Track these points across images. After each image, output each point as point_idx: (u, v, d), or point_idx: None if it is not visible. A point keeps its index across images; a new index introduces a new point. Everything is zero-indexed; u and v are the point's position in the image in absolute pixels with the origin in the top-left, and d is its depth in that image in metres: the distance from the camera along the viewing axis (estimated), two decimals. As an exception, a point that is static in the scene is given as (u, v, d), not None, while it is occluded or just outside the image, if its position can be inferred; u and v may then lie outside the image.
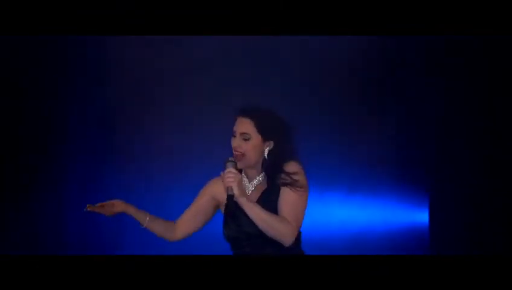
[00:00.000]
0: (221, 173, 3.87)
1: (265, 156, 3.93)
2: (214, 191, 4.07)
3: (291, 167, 3.90)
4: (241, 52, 6.02)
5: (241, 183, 3.85)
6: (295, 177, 3.87)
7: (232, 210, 3.93)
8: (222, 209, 4.06)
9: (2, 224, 5.86)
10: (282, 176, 3.88)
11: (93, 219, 6.02)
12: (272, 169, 3.92)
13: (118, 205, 4.08)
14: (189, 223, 4.12)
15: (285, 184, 3.87)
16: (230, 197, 3.85)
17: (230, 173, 3.84)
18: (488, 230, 5.73)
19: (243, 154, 3.90)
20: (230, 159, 3.90)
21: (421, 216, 6.19)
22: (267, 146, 3.92)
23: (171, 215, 5.96)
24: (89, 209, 4.04)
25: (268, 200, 3.90)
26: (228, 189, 3.84)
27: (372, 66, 6.05)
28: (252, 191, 3.98)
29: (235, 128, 3.94)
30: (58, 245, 5.96)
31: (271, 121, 3.93)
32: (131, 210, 4.07)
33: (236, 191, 3.82)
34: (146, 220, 4.06)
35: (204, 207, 4.10)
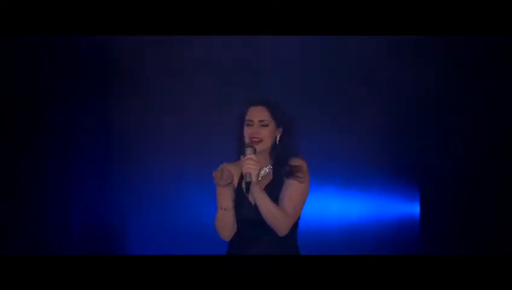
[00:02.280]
0: (241, 158, 3.96)
1: (277, 142, 4.05)
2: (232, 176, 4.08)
3: (297, 161, 4.02)
4: (240, 52, 6.03)
5: (259, 172, 3.97)
6: (298, 171, 3.99)
7: (240, 196, 4.01)
8: None
9: (6, 225, 5.87)
10: (287, 168, 4.00)
11: (95, 219, 6.04)
12: (279, 161, 4.03)
13: (229, 177, 3.97)
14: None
15: (288, 176, 3.99)
16: (248, 184, 3.92)
17: (251, 160, 3.93)
18: (477, 225, 5.83)
19: (261, 140, 4.01)
20: (249, 144, 3.98)
21: (412, 209, 6.28)
22: (278, 133, 4.06)
23: (172, 213, 6.00)
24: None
25: (272, 191, 3.99)
26: (247, 176, 3.92)
27: (365, 64, 6.09)
28: (259, 180, 4.05)
29: (250, 117, 4.05)
30: (60, 246, 5.97)
31: (280, 110, 4.08)
32: (229, 187, 3.98)
33: (254, 179, 3.92)
34: (230, 205, 4.00)
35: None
